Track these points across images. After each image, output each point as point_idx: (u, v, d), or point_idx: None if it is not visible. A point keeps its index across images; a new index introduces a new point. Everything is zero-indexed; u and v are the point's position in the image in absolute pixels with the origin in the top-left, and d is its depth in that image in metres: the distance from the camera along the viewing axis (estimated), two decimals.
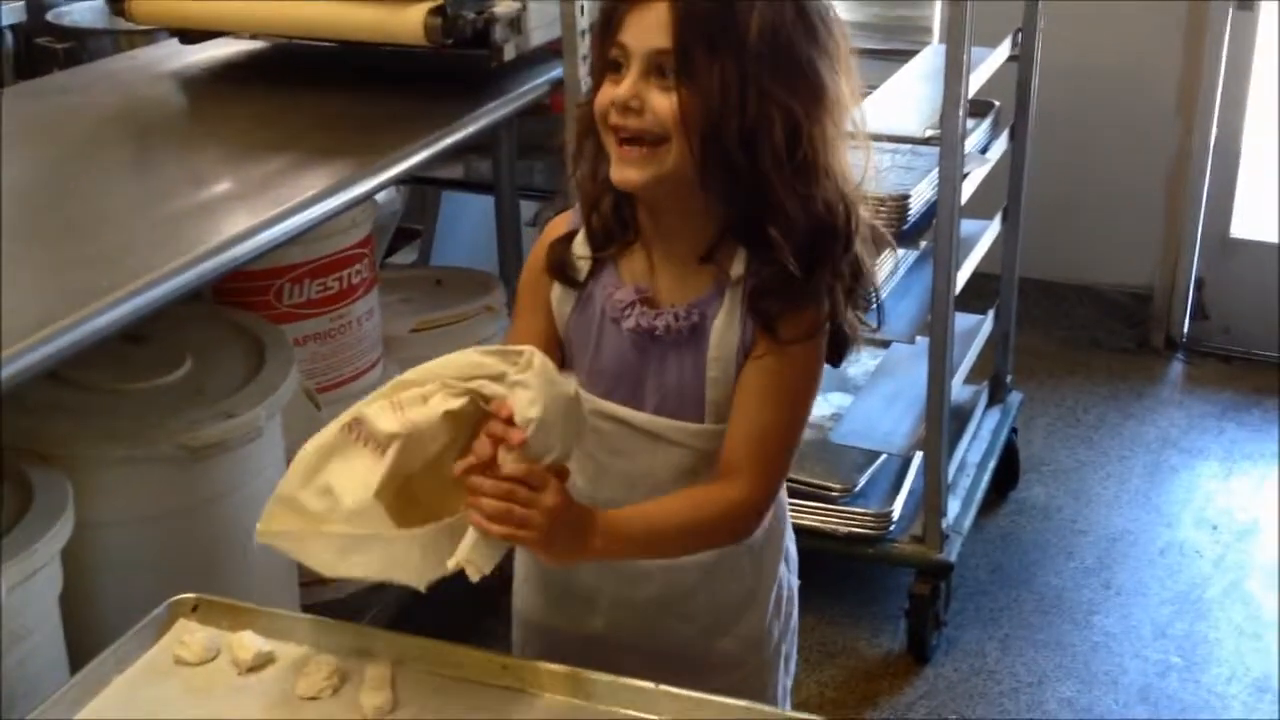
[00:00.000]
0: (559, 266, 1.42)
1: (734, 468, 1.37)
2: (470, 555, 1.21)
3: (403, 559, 1.23)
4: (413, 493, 1.27)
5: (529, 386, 1.20)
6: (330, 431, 1.25)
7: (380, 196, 2.58)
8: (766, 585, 1.52)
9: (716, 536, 1.41)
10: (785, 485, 1.53)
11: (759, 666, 1.54)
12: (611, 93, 1.30)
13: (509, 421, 1.21)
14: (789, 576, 1.57)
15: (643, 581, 1.46)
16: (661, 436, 1.41)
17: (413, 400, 1.22)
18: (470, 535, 1.22)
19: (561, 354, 1.44)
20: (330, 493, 1.24)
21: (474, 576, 1.22)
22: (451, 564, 1.21)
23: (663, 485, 1.41)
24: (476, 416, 1.23)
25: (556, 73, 2.49)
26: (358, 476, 1.22)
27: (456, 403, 1.22)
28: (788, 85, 1.28)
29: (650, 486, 1.41)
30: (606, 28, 1.30)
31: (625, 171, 1.31)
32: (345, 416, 1.25)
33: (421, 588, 1.23)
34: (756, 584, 1.51)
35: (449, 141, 2.26)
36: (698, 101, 1.26)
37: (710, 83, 1.26)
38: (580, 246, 1.41)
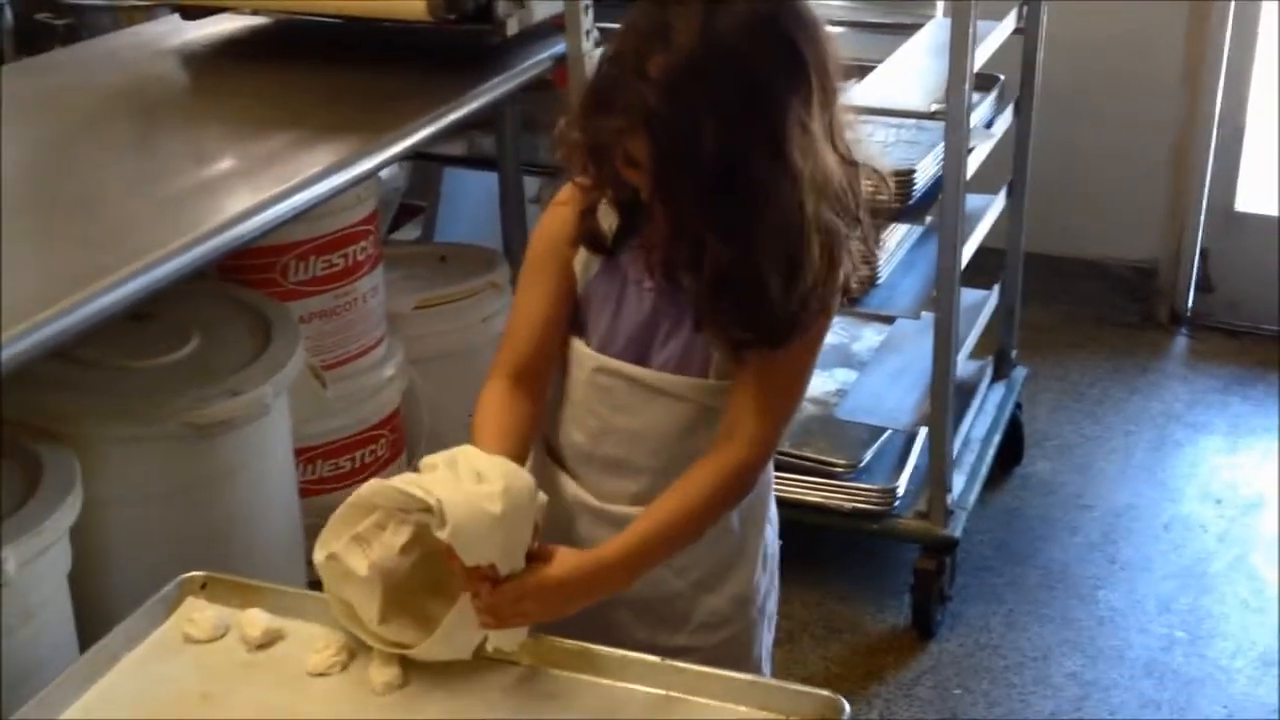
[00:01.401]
0: (592, 238, 1.44)
1: (738, 428, 1.40)
2: (497, 643, 1.32)
3: (438, 650, 1.32)
4: (430, 579, 1.34)
5: (455, 544, 1.25)
6: (320, 561, 1.34)
7: (383, 173, 2.58)
8: (754, 543, 1.55)
9: (726, 504, 1.44)
10: (779, 458, 1.56)
11: (746, 625, 1.56)
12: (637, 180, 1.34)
13: (464, 568, 1.27)
14: (772, 535, 1.60)
15: None
16: (666, 392, 1.44)
17: (371, 531, 1.31)
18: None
19: (574, 315, 1.47)
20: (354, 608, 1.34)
21: (511, 650, 1.33)
22: (490, 648, 1.32)
23: (665, 442, 1.45)
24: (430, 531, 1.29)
25: (560, 48, 2.47)
26: (362, 606, 1.32)
27: (407, 531, 1.30)
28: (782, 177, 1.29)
29: (653, 443, 1.45)
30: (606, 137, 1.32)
31: None
32: (323, 548, 1.33)
33: (469, 657, 1.33)
34: (744, 541, 1.54)
35: (453, 117, 2.26)
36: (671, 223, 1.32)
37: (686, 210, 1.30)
38: (606, 215, 1.43)
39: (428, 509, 1.26)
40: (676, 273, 1.35)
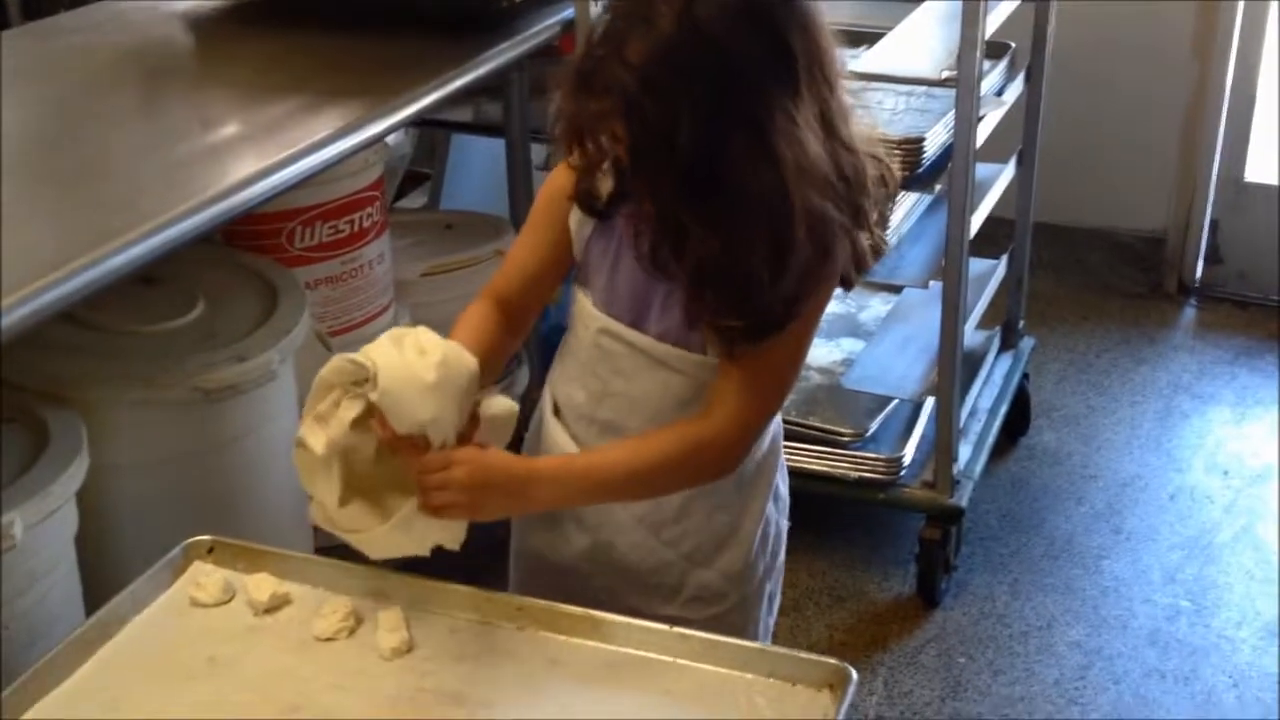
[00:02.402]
0: (587, 201, 1.43)
1: (717, 404, 1.40)
2: (439, 538, 1.35)
3: (395, 543, 1.34)
4: (392, 474, 1.35)
5: (383, 406, 1.28)
6: (294, 456, 1.36)
7: (390, 139, 2.57)
8: (752, 520, 1.54)
9: (694, 473, 1.44)
10: (785, 427, 1.55)
11: (740, 602, 1.56)
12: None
13: (394, 434, 1.30)
14: (777, 517, 1.59)
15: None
16: (662, 361, 1.44)
17: (330, 410, 1.33)
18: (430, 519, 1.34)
19: (569, 270, 1.49)
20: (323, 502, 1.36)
21: (453, 547, 1.35)
22: (427, 549, 1.35)
23: (660, 411, 1.44)
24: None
25: (568, 13, 2.46)
26: (326, 493, 1.34)
27: (356, 406, 1.31)
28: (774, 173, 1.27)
29: (648, 411, 1.45)
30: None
31: None
32: (296, 437, 1.36)
33: (426, 553, 1.35)
34: (742, 517, 1.53)
35: (460, 83, 2.25)
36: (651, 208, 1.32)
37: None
38: (604, 176, 1.42)
39: (365, 372, 1.29)
40: (662, 261, 1.34)
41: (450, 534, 1.34)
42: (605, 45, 1.26)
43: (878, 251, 1.41)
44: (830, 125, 1.31)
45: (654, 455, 1.39)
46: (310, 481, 1.35)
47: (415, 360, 1.29)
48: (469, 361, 1.32)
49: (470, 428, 1.34)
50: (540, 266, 1.49)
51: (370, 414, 1.32)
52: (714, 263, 1.30)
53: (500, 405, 1.39)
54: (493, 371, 1.46)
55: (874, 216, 1.37)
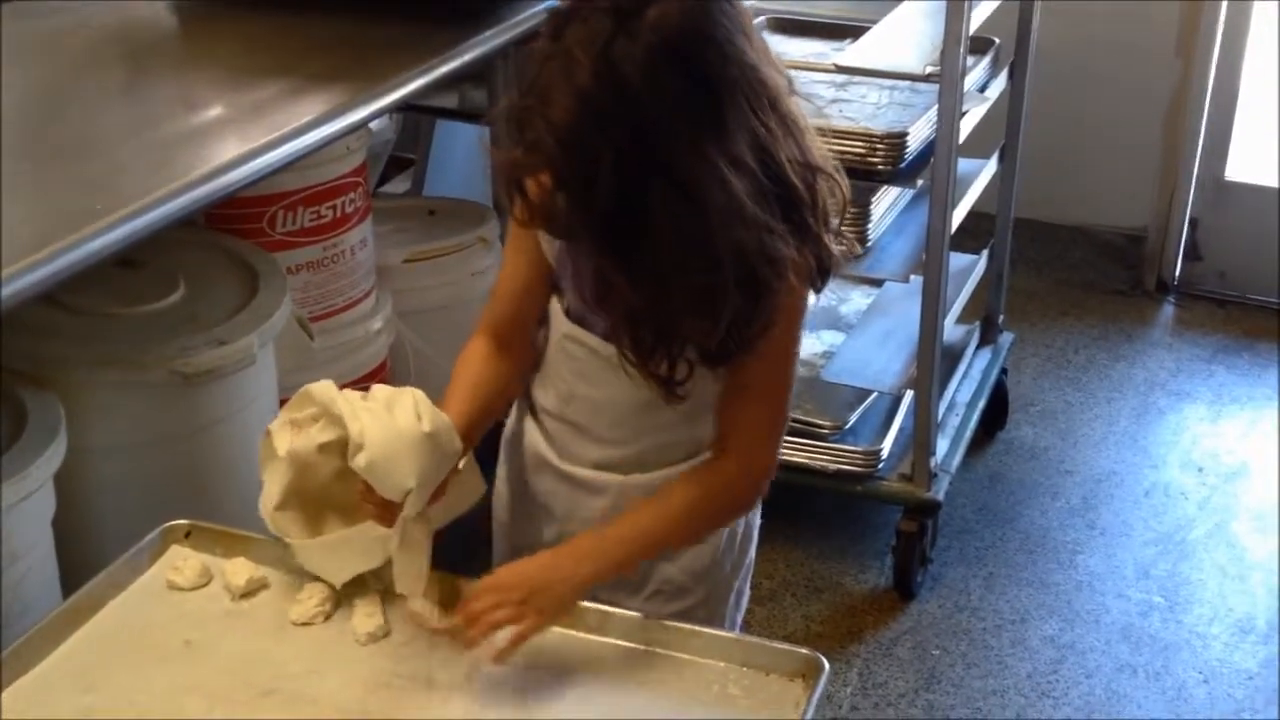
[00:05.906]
0: (543, 215, 1.42)
1: (729, 444, 1.42)
2: (358, 566, 1.37)
3: (317, 561, 1.37)
4: (342, 497, 1.36)
5: (369, 476, 1.29)
6: (262, 437, 1.38)
7: (374, 124, 2.56)
8: None
9: (725, 516, 1.48)
10: None
11: (705, 598, 1.57)
12: None
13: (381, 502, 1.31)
14: (748, 514, 1.59)
15: (596, 494, 1.50)
16: (623, 368, 1.43)
17: (307, 421, 1.35)
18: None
19: (553, 282, 1.48)
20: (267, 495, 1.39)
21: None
22: (339, 582, 1.37)
23: (624, 415, 1.46)
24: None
25: (553, 1, 2.46)
26: (270, 491, 1.37)
27: (329, 435, 1.32)
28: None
29: (613, 415, 1.47)
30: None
31: None
32: (267, 428, 1.38)
33: (338, 586, 1.37)
34: None
35: (445, 69, 2.24)
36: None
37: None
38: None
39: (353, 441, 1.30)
40: (594, 309, 1.35)
41: (371, 560, 1.35)
42: (532, 95, 1.24)
43: (848, 255, 1.40)
44: (766, 150, 1.27)
45: (682, 514, 1.41)
46: (264, 471, 1.37)
47: (407, 432, 1.29)
48: (455, 445, 1.33)
49: (439, 490, 1.35)
50: (527, 284, 1.48)
51: (338, 446, 1.32)
52: (639, 314, 1.30)
53: (469, 481, 1.42)
54: (495, 412, 1.49)
55: (834, 225, 1.35)
